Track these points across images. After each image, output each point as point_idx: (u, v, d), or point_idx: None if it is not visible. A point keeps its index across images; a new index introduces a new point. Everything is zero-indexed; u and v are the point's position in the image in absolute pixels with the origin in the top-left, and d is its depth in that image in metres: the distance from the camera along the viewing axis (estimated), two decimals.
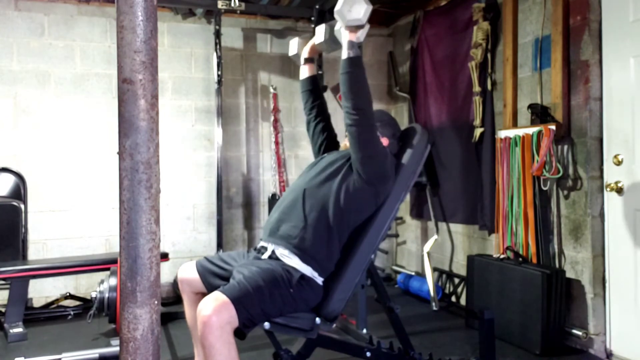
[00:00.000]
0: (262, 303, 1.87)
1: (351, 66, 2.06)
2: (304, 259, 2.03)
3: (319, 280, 2.07)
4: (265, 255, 2.10)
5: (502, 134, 3.47)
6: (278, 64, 4.76)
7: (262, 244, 2.18)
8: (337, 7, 2.02)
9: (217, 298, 1.79)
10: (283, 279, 1.95)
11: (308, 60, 2.50)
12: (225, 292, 1.83)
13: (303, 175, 2.30)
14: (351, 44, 2.07)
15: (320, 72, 4.20)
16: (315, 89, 2.51)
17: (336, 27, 2.26)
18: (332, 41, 2.36)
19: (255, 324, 1.88)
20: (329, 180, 2.14)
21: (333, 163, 2.22)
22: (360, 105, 2.06)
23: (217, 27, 4.27)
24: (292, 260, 2.04)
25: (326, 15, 4.25)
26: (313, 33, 4.24)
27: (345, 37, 2.09)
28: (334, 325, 2.12)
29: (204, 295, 2.13)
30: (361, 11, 2.02)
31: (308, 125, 2.54)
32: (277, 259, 2.07)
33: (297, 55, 2.54)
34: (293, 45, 2.56)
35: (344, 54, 2.08)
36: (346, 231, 2.13)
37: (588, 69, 2.99)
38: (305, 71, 2.51)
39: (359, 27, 2.08)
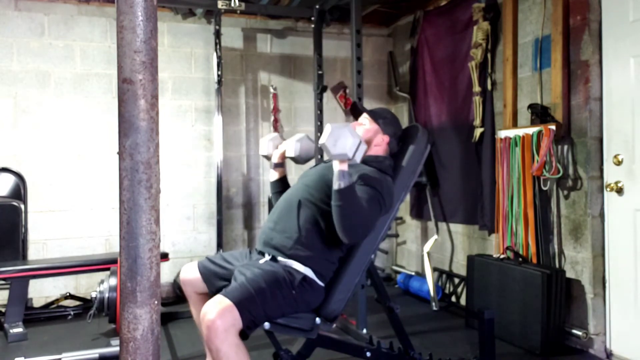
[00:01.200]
0: (264, 305, 1.87)
1: (342, 199, 1.91)
2: (303, 263, 2.03)
3: (320, 282, 2.07)
4: (266, 259, 2.10)
5: (502, 134, 3.47)
6: (278, 64, 4.77)
7: (259, 250, 2.18)
8: (321, 140, 1.89)
9: (221, 302, 1.80)
10: (285, 281, 1.95)
11: (278, 165, 2.47)
12: (228, 295, 1.83)
13: (298, 183, 2.28)
14: (341, 174, 1.91)
15: (320, 72, 4.20)
16: (285, 190, 2.45)
17: (325, 157, 2.14)
18: (304, 155, 2.36)
19: (258, 325, 1.89)
20: (322, 193, 2.11)
21: (326, 175, 2.16)
22: (355, 239, 2.00)
23: (217, 27, 4.27)
24: (292, 263, 2.04)
25: (326, 15, 4.26)
26: (313, 33, 4.27)
27: (335, 166, 1.94)
28: (334, 325, 2.13)
29: (207, 295, 2.13)
30: (346, 145, 1.86)
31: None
32: (278, 261, 2.07)
33: (268, 157, 2.52)
34: (263, 146, 2.52)
35: (334, 185, 1.93)
36: (343, 245, 2.10)
37: (588, 69, 3.00)
38: (275, 175, 2.48)
39: (349, 159, 1.93)
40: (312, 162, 2.66)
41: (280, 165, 2.48)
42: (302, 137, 2.42)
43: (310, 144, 2.43)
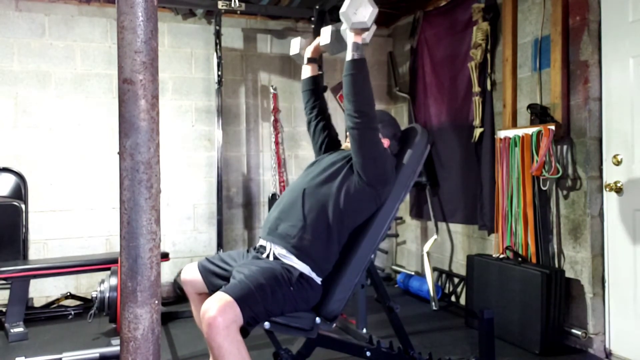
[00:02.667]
0: (264, 301, 1.88)
1: (355, 68, 2.05)
2: (302, 258, 2.04)
3: (318, 279, 2.07)
4: (265, 255, 2.11)
5: (501, 134, 3.47)
6: (278, 64, 4.77)
7: (261, 242, 2.18)
8: (342, 9, 2.00)
9: (221, 298, 1.80)
10: (283, 278, 1.96)
11: (311, 61, 2.51)
12: (228, 291, 1.83)
13: (303, 174, 2.30)
14: (356, 46, 2.06)
15: (320, 72, 4.19)
16: (316, 89, 2.53)
17: (342, 28, 2.25)
18: (338, 44, 2.36)
19: (259, 322, 1.89)
20: (329, 181, 2.14)
21: (334, 163, 2.22)
22: (363, 108, 2.05)
23: (218, 27, 4.28)
24: (290, 260, 2.04)
25: (326, 15, 4.26)
26: (313, 33, 4.27)
27: (350, 38, 2.07)
28: (334, 324, 2.13)
29: (207, 295, 2.14)
30: (367, 14, 1.99)
31: (309, 125, 2.55)
32: (276, 258, 2.08)
33: (299, 55, 2.54)
34: (295, 45, 2.55)
35: (349, 55, 2.06)
36: (345, 232, 2.13)
37: (587, 69, 3.00)
38: (307, 71, 2.52)
39: (364, 29, 2.06)
40: (311, 162, 2.65)
41: (314, 60, 2.52)
42: (337, 25, 2.39)
43: (343, 37, 2.39)
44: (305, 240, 2.04)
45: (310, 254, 2.04)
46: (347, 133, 2.15)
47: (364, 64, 2.07)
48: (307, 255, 2.04)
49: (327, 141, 2.49)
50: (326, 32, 2.37)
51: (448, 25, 4.17)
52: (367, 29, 2.05)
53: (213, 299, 1.80)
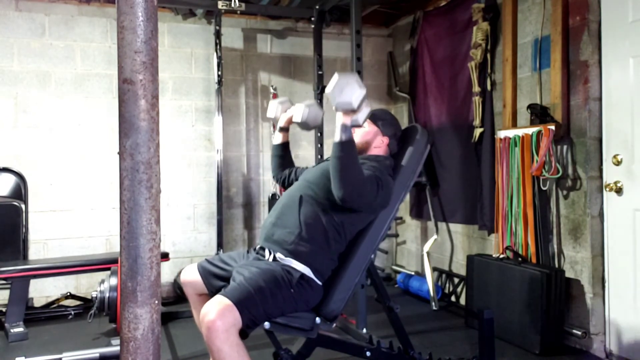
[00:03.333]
0: (264, 304, 1.87)
1: (342, 151, 1.91)
2: (301, 261, 2.04)
3: (318, 281, 2.07)
4: (265, 257, 2.11)
5: (501, 134, 3.47)
6: (278, 64, 4.77)
7: (260, 245, 2.18)
8: (327, 88, 1.89)
9: (220, 302, 1.80)
10: (284, 279, 1.96)
11: (283, 129, 2.51)
12: (228, 294, 1.83)
13: (301, 179, 2.30)
14: (344, 127, 1.92)
15: (320, 73, 4.21)
16: (286, 155, 2.57)
17: (333, 108, 2.14)
18: (310, 122, 2.37)
19: (258, 324, 1.89)
20: (324, 190, 2.12)
21: (328, 172, 2.14)
22: (349, 198, 1.96)
23: (218, 27, 4.28)
24: (290, 262, 2.04)
25: (326, 15, 4.26)
26: (313, 34, 4.28)
27: (338, 118, 1.94)
28: (334, 324, 2.13)
29: (207, 295, 2.14)
30: (352, 95, 1.86)
31: (278, 183, 2.60)
32: (277, 260, 2.07)
33: (275, 119, 2.54)
34: (272, 108, 2.54)
35: (336, 136, 1.93)
36: (343, 240, 2.11)
37: (587, 69, 3.00)
38: (278, 138, 2.52)
39: (352, 110, 1.93)
40: (312, 163, 2.66)
41: (286, 129, 2.51)
42: (311, 103, 2.40)
43: (319, 112, 2.40)
44: (302, 247, 2.04)
45: (308, 260, 2.04)
46: None
47: (352, 146, 1.94)
48: (304, 260, 2.04)
49: (296, 179, 2.50)
50: (299, 109, 2.37)
51: (448, 25, 4.17)
52: (354, 111, 1.91)
53: (212, 303, 1.80)
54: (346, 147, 1.92)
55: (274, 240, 2.10)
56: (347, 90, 1.86)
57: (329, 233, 2.07)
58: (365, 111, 1.93)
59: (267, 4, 4.24)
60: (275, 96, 4.69)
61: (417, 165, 2.32)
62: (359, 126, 2.00)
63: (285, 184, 2.56)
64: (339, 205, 2.05)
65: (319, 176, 2.19)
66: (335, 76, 1.89)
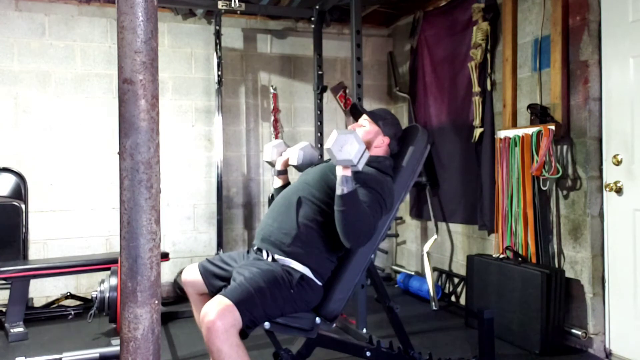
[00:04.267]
0: (264, 304, 1.87)
1: (345, 204, 1.92)
2: (300, 262, 2.04)
3: (318, 281, 2.07)
4: (264, 257, 2.11)
5: (501, 134, 3.47)
6: (278, 64, 4.77)
7: (257, 247, 2.18)
8: (327, 145, 1.93)
9: (220, 302, 1.80)
10: (284, 280, 1.96)
11: (281, 172, 2.51)
12: (228, 295, 1.83)
13: (297, 181, 2.29)
14: (345, 179, 1.92)
15: (320, 73, 4.21)
16: None
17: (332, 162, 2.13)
18: (306, 163, 2.41)
19: (258, 324, 1.89)
20: (323, 190, 2.13)
21: (327, 175, 2.18)
22: (357, 245, 2.01)
23: (218, 27, 4.28)
24: (290, 262, 2.04)
25: (326, 15, 4.26)
26: (313, 34, 4.28)
27: (338, 171, 1.96)
28: (334, 324, 2.13)
29: (208, 295, 2.14)
30: (352, 151, 1.90)
31: None
32: (276, 260, 2.07)
33: (272, 163, 2.56)
34: (267, 152, 2.57)
35: (337, 190, 1.94)
36: (340, 243, 2.08)
37: (587, 69, 3.00)
38: (278, 182, 2.51)
39: (353, 165, 1.96)
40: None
41: (284, 172, 2.50)
42: (305, 146, 2.45)
43: (313, 152, 2.46)
44: (299, 248, 2.04)
45: (306, 261, 2.04)
46: None
47: (355, 197, 1.94)
48: (303, 261, 2.04)
49: None
50: (294, 153, 2.41)
51: (448, 25, 4.18)
52: (354, 165, 1.95)
53: (212, 303, 1.80)
54: (348, 199, 1.92)
55: (271, 242, 2.10)
56: (346, 148, 1.91)
57: (327, 235, 2.07)
58: (364, 159, 1.96)
59: (267, 4, 4.24)
60: (275, 96, 4.70)
61: (417, 165, 2.32)
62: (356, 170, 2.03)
63: None
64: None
65: (318, 179, 2.19)
66: (334, 133, 1.92)
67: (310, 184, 2.19)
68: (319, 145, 4.15)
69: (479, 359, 2.53)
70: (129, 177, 1.10)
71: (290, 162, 2.45)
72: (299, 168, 2.45)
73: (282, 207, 2.16)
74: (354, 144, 1.91)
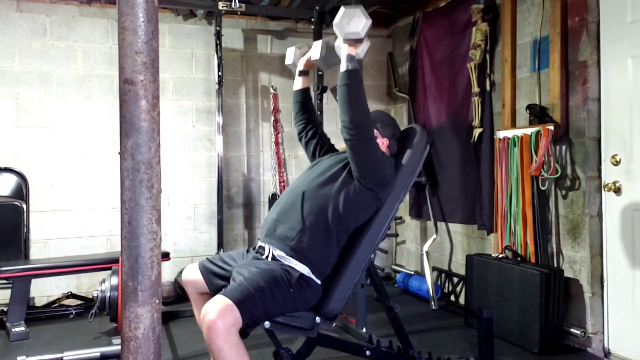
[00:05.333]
0: (264, 303, 1.88)
1: (349, 79, 2.02)
2: (301, 260, 2.04)
3: (318, 280, 2.08)
4: (264, 256, 2.12)
5: (500, 134, 3.48)
6: (278, 64, 4.78)
7: (259, 244, 2.19)
8: (335, 20, 1.99)
9: (220, 301, 1.80)
10: (283, 279, 1.97)
11: (302, 73, 2.51)
12: (228, 294, 1.84)
13: (303, 176, 2.30)
14: (350, 57, 2.04)
15: (320, 73, 4.22)
16: (306, 102, 2.53)
17: (336, 43, 2.22)
18: (329, 58, 2.36)
19: (258, 323, 1.90)
20: (329, 184, 2.14)
21: (333, 166, 2.22)
22: (357, 119, 2.03)
23: (218, 28, 4.29)
24: (289, 261, 2.05)
25: (326, 16, 4.27)
26: (313, 35, 4.28)
27: (344, 50, 2.05)
28: (334, 324, 2.14)
29: (208, 295, 2.15)
30: (360, 24, 1.98)
31: (300, 137, 2.55)
32: (276, 259, 2.08)
33: (293, 65, 2.54)
34: (289, 54, 2.55)
35: (342, 66, 2.04)
36: (344, 235, 2.12)
37: (586, 70, 3.01)
38: (299, 83, 2.51)
39: (358, 41, 2.05)
40: (310, 164, 2.66)
41: (305, 73, 2.52)
42: (328, 40, 2.39)
43: (335, 50, 2.37)
44: (304, 243, 2.05)
45: (309, 257, 2.05)
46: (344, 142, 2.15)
47: (359, 75, 2.06)
48: (305, 257, 2.04)
49: (320, 150, 2.50)
50: (317, 46, 2.38)
51: (447, 26, 4.18)
52: (360, 40, 2.03)
53: (212, 302, 1.81)
54: (353, 75, 2.02)
55: (276, 236, 2.10)
56: (355, 21, 1.97)
57: (332, 229, 2.08)
58: (366, 44, 2.05)
59: (268, 5, 4.25)
60: (275, 96, 4.71)
61: (416, 165, 2.32)
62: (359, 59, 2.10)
63: (307, 144, 2.51)
64: (343, 198, 2.08)
65: (324, 171, 2.21)
66: (342, 9, 1.98)
67: (315, 176, 2.20)
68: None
69: (478, 359, 2.53)
70: (129, 177, 1.10)
71: (312, 57, 2.41)
72: (322, 64, 2.38)
73: (287, 202, 2.17)
74: (361, 17, 1.98)
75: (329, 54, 2.35)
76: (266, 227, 2.18)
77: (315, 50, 2.37)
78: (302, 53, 2.52)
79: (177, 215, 4.49)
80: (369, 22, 1.99)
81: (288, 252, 2.05)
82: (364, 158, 2.08)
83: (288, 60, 2.56)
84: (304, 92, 2.52)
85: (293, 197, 2.16)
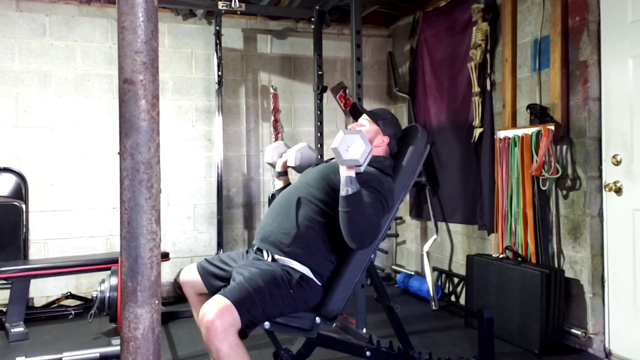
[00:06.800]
0: (263, 304, 1.87)
1: (350, 205, 1.93)
2: (300, 262, 2.04)
3: (318, 281, 2.07)
4: (264, 258, 2.11)
5: (501, 134, 3.48)
6: (278, 64, 4.78)
7: (257, 247, 2.18)
8: (333, 144, 1.94)
9: (219, 302, 1.80)
10: (283, 280, 1.96)
11: (281, 174, 2.53)
12: (227, 294, 1.83)
13: (298, 181, 2.30)
14: (349, 180, 1.94)
15: (320, 73, 4.21)
16: None
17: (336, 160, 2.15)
18: (305, 164, 2.43)
19: (257, 324, 1.89)
20: (324, 191, 2.12)
21: (327, 175, 2.18)
22: (362, 239, 1.97)
23: (218, 27, 4.28)
24: (290, 262, 2.04)
25: (326, 16, 4.26)
26: (313, 34, 4.28)
27: (343, 172, 1.96)
28: (334, 324, 2.13)
29: (207, 295, 2.14)
30: (359, 152, 1.92)
31: None
32: (276, 260, 2.08)
33: (272, 165, 2.60)
34: (268, 153, 2.61)
35: (342, 191, 1.95)
36: (340, 243, 2.09)
37: (587, 70, 3.01)
38: (279, 183, 2.54)
39: (359, 166, 1.98)
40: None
41: (284, 174, 2.53)
42: (302, 147, 2.47)
43: (311, 153, 2.48)
44: (299, 249, 2.04)
45: (305, 262, 2.04)
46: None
47: (359, 197, 1.95)
48: (303, 261, 2.04)
49: None
50: (291, 154, 2.45)
51: (448, 26, 4.18)
52: (359, 165, 1.97)
53: (211, 303, 1.80)
54: (353, 199, 1.93)
55: (270, 242, 2.10)
56: (353, 148, 1.92)
57: (327, 235, 2.07)
58: (368, 159, 1.98)
59: (267, 5, 4.24)
60: (275, 96, 4.70)
61: (417, 165, 2.32)
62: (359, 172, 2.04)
63: None
64: (337, 207, 2.06)
65: (318, 178, 2.19)
66: (341, 133, 1.94)
67: (310, 184, 2.19)
68: (319, 145, 4.16)
69: (478, 359, 2.53)
70: (129, 177, 1.10)
71: (288, 164, 2.48)
72: (298, 169, 2.47)
73: (282, 207, 2.16)
74: (360, 144, 1.93)
75: (304, 161, 2.43)
76: (261, 232, 2.17)
77: (291, 158, 2.45)
78: (279, 154, 2.58)
79: (177, 215, 4.49)
80: (369, 148, 1.94)
81: (284, 256, 2.06)
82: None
83: (267, 159, 2.63)
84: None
85: (288, 202, 2.16)
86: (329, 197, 2.09)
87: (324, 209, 2.09)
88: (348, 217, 1.93)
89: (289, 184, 2.50)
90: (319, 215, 2.09)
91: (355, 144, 1.92)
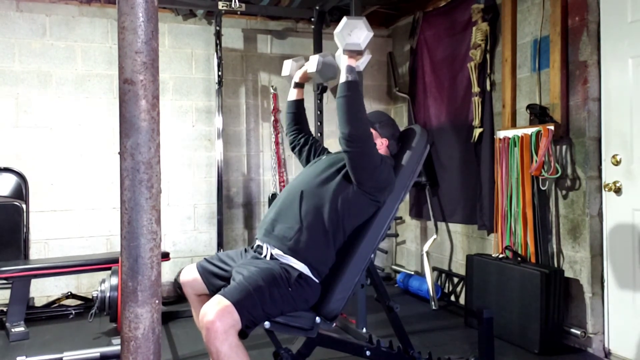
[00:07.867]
0: (263, 304, 1.87)
1: (349, 90, 2.00)
2: (299, 259, 2.04)
3: (316, 279, 2.08)
4: (263, 255, 2.11)
5: (501, 134, 3.48)
6: (278, 64, 4.77)
7: (258, 243, 2.18)
8: (336, 30, 1.98)
9: (219, 302, 1.80)
10: (282, 278, 1.96)
11: (298, 85, 2.53)
12: (227, 295, 1.83)
13: (301, 175, 2.30)
14: (350, 69, 2.02)
15: (303, 98, 4.19)
16: (300, 112, 2.56)
17: (336, 53, 2.23)
18: (324, 73, 2.40)
19: (257, 324, 1.89)
20: (327, 184, 2.13)
21: (331, 165, 2.21)
22: (356, 132, 2.01)
23: (218, 28, 4.28)
24: (288, 260, 2.05)
25: (326, 16, 4.27)
26: (313, 34, 4.28)
27: (344, 61, 2.04)
28: (334, 324, 2.13)
29: (206, 296, 2.14)
30: (361, 36, 1.96)
31: (292, 145, 2.58)
32: (274, 258, 2.08)
33: (290, 77, 2.58)
34: (286, 66, 2.58)
35: (342, 77, 2.02)
36: (342, 236, 2.12)
37: (586, 70, 3.01)
38: (293, 94, 2.54)
39: (358, 52, 2.03)
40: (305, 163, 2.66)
41: (301, 85, 2.53)
42: (325, 54, 2.43)
43: (333, 62, 2.42)
44: (302, 243, 2.04)
45: (307, 257, 2.04)
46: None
47: (358, 86, 2.04)
48: (303, 257, 2.04)
49: (313, 156, 2.52)
50: (313, 60, 2.41)
51: (447, 26, 4.18)
52: (361, 52, 2.01)
53: (211, 303, 1.80)
54: (353, 86, 2.01)
55: (274, 236, 2.10)
56: (356, 32, 1.96)
57: (330, 229, 2.07)
58: (366, 58, 2.04)
59: (267, 5, 4.25)
60: (275, 96, 4.71)
61: (416, 165, 2.32)
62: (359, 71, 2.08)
63: (300, 152, 2.55)
64: (341, 199, 2.07)
65: (322, 170, 2.20)
66: (344, 19, 1.98)
67: (314, 177, 2.19)
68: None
69: (478, 359, 2.53)
70: (129, 177, 1.10)
71: (309, 70, 2.43)
72: (318, 76, 2.40)
73: (285, 202, 2.17)
74: (362, 29, 1.97)
75: (325, 68, 2.38)
76: (264, 226, 2.17)
77: (312, 64, 2.40)
78: (298, 66, 2.55)
79: (177, 215, 4.49)
80: (371, 34, 1.98)
81: (286, 251, 2.05)
82: (363, 169, 2.07)
83: (284, 72, 2.59)
84: (298, 103, 2.55)
85: (291, 196, 2.16)
86: (332, 190, 2.10)
87: (328, 202, 2.09)
88: (346, 101, 2.00)
89: (302, 98, 2.53)
90: (322, 208, 2.09)
91: (358, 29, 1.96)
